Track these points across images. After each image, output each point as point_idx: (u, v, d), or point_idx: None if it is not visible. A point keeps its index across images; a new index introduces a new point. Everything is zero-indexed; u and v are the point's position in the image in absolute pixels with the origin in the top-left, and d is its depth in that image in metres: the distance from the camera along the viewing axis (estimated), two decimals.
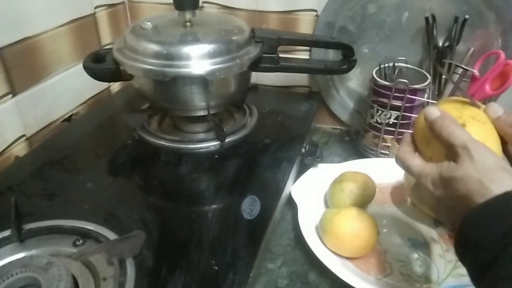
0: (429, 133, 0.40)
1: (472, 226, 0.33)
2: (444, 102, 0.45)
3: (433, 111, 0.40)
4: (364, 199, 0.60)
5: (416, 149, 0.42)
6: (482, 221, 0.33)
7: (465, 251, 0.34)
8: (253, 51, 0.62)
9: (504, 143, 0.40)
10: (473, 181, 0.34)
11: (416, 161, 0.40)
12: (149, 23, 0.61)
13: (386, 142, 0.72)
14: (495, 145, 0.39)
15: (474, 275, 0.33)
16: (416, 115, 0.69)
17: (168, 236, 0.48)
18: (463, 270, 0.36)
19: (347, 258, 0.53)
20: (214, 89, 0.61)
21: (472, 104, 0.44)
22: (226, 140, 0.64)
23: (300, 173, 0.66)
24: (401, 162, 0.42)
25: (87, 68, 0.61)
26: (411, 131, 0.44)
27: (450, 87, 0.70)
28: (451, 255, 0.54)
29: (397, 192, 0.66)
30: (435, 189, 0.38)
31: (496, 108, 0.41)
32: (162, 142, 0.64)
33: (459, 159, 0.36)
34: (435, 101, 0.70)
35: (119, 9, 0.86)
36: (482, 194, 0.33)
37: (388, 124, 0.70)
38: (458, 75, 0.69)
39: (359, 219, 0.53)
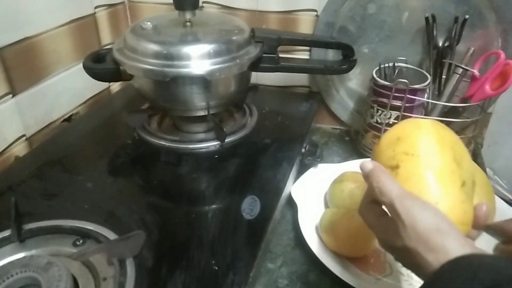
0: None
1: None
2: (381, 140, 0.43)
3: (366, 165, 0.38)
4: None
5: None
6: None
7: None
8: (253, 51, 0.62)
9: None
10: (413, 252, 0.32)
11: (370, 220, 0.39)
12: (149, 23, 0.61)
13: None
14: (439, 173, 0.37)
15: None
16: (416, 115, 0.69)
17: (168, 236, 0.48)
18: None
19: (347, 258, 0.53)
20: (214, 89, 0.61)
21: (415, 126, 0.42)
22: (226, 140, 0.64)
23: (300, 173, 0.66)
24: (361, 218, 0.40)
25: (87, 68, 0.61)
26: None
27: (450, 87, 0.70)
28: None
29: None
30: (391, 253, 0.37)
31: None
32: (162, 142, 0.64)
33: (395, 225, 0.34)
34: (435, 101, 0.70)
35: (119, 9, 0.86)
36: (425, 267, 0.31)
37: (388, 124, 0.70)
38: (458, 75, 0.69)
39: (359, 219, 0.52)
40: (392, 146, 0.41)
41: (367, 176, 0.38)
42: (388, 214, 0.37)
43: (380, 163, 0.40)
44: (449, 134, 0.42)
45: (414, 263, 0.33)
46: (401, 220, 0.33)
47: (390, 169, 0.39)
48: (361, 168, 0.39)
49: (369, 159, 0.40)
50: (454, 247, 0.31)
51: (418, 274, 0.33)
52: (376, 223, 0.38)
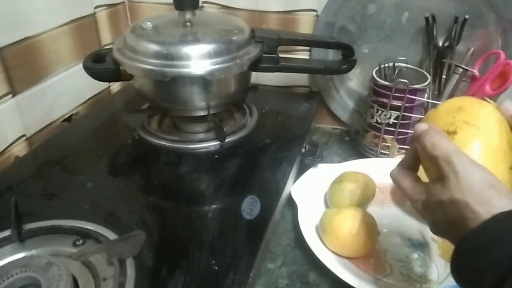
0: None
1: (467, 253, 0.32)
2: (440, 107, 0.43)
3: (421, 125, 0.38)
4: (364, 199, 0.60)
5: (422, 167, 0.40)
6: (476, 250, 0.31)
7: (463, 277, 0.33)
8: (253, 51, 0.62)
9: None
10: (461, 204, 0.32)
11: (406, 183, 0.39)
12: (149, 23, 0.61)
13: (386, 142, 0.72)
14: (493, 149, 0.38)
15: None
16: (416, 115, 0.69)
17: (168, 236, 0.48)
18: None
19: (347, 258, 0.53)
20: (214, 89, 0.61)
21: (479, 102, 0.41)
22: (226, 140, 0.64)
23: (300, 173, 0.66)
24: (393, 182, 0.40)
25: (87, 68, 0.61)
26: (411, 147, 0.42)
27: (450, 87, 0.70)
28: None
29: (397, 192, 0.66)
30: (427, 214, 0.37)
31: (510, 105, 0.39)
32: (162, 142, 0.64)
33: (444, 178, 0.34)
34: (435, 101, 0.70)
35: (119, 9, 0.86)
36: (471, 219, 0.31)
37: (388, 124, 0.70)
38: (458, 75, 0.69)
39: (359, 219, 0.53)
40: (452, 113, 0.40)
41: (419, 136, 0.37)
42: (424, 182, 0.37)
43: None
44: (505, 121, 0.41)
45: (459, 216, 0.32)
46: (455, 171, 0.33)
47: (447, 133, 0.39)
48: (415, 128, 0.38)
49: (428, 113, 0.40)
50: (506, 203, 0.31)
51: (457, 230, 0.33)
52: (413, 186, 0.38)
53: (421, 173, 0.40)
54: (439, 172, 0.35)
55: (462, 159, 0.33)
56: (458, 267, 0.33)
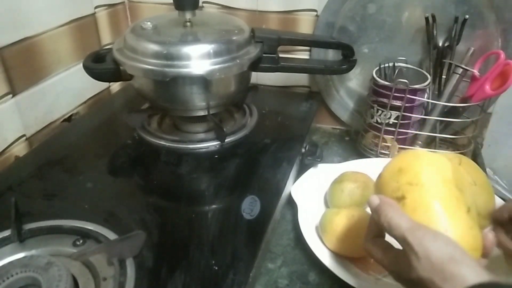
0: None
1: None
2: (384, 172, 0.44)
3: (373, 199, 0.39)
4: (364, 199, 0.60)
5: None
6: None
7: None
8: (253, 51, 0.62)
9: None
10: (428, 282, 0.32)
11: (378, 254, 0.39)
12: (149, 23, 0.61)
13: (386, 142, 0.72)
14: (445, 200, 0.38)
15: None
16: (416, 115, 0.69)
17: (168, 236, 0.48)
18: None
19: (347, 258, 0.53)
20: (214, 89, 0.61)
21: (416, 156, 0.42)
22: (226, 140, 0.64)
23: (300, 173, 0.66)
24: (367, 254, 0.41)
25: (87, 68, 0.61)
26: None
27: (450, 87, 0.70)
28: None
29: None
30: (403, 285, 0.36)
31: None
32: (162, 142, 0.64)
33: (409, 257, 0.34)
34: (435, 101, 0.70)
35: (119, 9, 0.86)
36: None
37: (388, 124, 0.70)
38: (458, 75, 0.69)
39: (359, 219, 0.53)
40: (395, 178, 0.41)
41: (374, 210, 0.38)
42: (394, 247, 0.38)
43: (385, 195, 0.40)
44: (447, 162, 0.42)
45: None
46: (414, 252, 0.33)
47: (396, 200, 0.40)
48: (369, 203, 0.39)
49: (375, 195, 0.40)
50: (470, 275, 0.31)
51: None
52: (384, 257, 0.38)
53: None
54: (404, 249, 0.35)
55: (417, 236, 0.34)
56: None
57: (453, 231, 0.36)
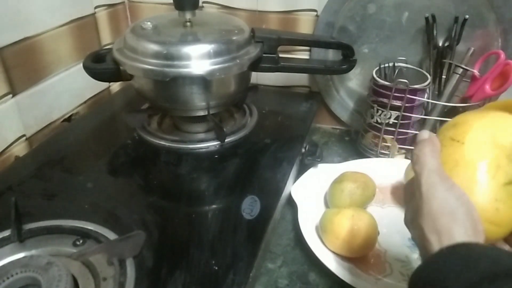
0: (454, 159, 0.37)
1: (419, 283, 0.30)
2: (459, 116, 0.41)
3: (422, 133, 0.37)
4: (364, 199, 0.60)
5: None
6: (424, 280, 0.29)
7: None
8: (253, 51, 0.62)
9: None
10: (419, 229, 0.31)
11: (406, 195, 0.37)
12: (149, 23, 0.61)
13: (386, 142, 0.72)
14: (481, 166, 0.35)
15: None
16: (416, 115, 0.69)
17: (168, 236, 0.48)
18: None
19: (347, 258, 0.53)
20: (214, 89, 0.61)
21: (479, 116, 0.39)
22: (226, 140, 0.64)
23: (300, 173, 0.66)
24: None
25: (87, 68, 0.61)
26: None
27: (450, 87, 0.70)
28: None
29: (397, 192, 0.66)
30: (409, 230, 0.36)
31: None
32: (162, 142, 0.64)
33: (416, 199, 0.33)
34: (435, 101, 0.70)
35: (119, 9, 0.86)
36: (426, 247, 0.30)
37: (388, 124, 0.70)
38: (458, 75, 0.69)
39: (359, 219, 0.53)
40: (450, 127, 0.39)
41: (418, 142, 0.36)
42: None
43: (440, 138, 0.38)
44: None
45: (420, 240, 0.32)
46: (420, 192, 0.32)
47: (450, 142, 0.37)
48: (418, 135, 0.37)
49: (427, 130, 0.38)
50: (459, 233, 0.29)
51: (423, 256, 0.32)
52: (408, 199, 0.36)
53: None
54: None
55: (431, 180, 0.32)
56: None
57: (476, 197, 0.34)
